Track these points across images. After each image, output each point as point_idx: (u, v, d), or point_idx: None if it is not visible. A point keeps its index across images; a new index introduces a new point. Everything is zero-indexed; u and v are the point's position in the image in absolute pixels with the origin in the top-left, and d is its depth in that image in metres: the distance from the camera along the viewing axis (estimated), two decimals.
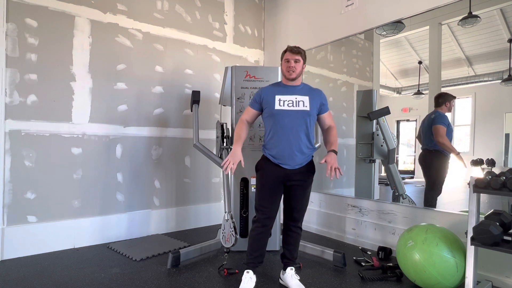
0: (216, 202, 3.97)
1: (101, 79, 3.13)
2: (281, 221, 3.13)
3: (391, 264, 2.47)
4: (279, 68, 2.93)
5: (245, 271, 2.18)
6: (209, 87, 3.91)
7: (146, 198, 3.43)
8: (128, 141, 3.30)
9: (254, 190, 2.37)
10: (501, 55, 2.44)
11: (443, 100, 2.73)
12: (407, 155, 3.37)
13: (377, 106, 3.24)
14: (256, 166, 2.24)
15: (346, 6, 3.41)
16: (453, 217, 2.52)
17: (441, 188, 2.77)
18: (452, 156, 2.70)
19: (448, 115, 2.74)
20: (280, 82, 2.29)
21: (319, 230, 3.60)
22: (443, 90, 2.74)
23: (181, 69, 3.68)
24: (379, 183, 3.29)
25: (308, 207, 3.71)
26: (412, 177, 3.22)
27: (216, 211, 3.93)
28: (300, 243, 2.85)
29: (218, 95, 3.87)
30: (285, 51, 2.20)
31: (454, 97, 2.71)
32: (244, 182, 2.96)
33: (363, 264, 2.61)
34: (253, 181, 2.93)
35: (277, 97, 2.14)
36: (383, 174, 3.27)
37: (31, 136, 2.79)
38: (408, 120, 3.29)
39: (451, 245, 2.06)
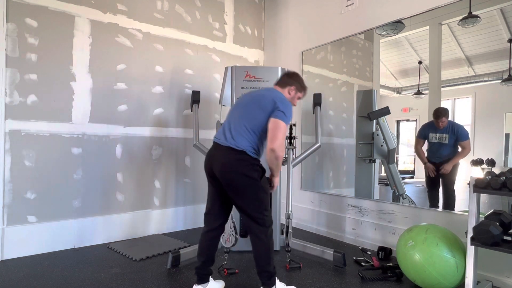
0: None
1: (101, 79, 3.13)
2: (281, 221, 3.13)
3: (391, 264, 2.47)
4: (279, 68, 2.98)
5: (277, 281, 1.99)
6: (209, 87, 3.91)
7: (146, 198, 3.43)
8: (128, 141, 3.30)
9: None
10: (501, 55, 2.44)
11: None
12: (407, 155, 3.37)
13: (377, 106, 3.24)
14: (257, 170, 2.00)
15: (346, 6, 3.41)
16: (453, 217, 2.52)
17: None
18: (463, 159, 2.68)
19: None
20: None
21: (319, 230, 3.60)
22: (443, 90, 2.74)
23: (181, 69, 3.68)
24: (379, 183, 3.29)
25: (308, 207, 3.75)
26: (412, 177, 3.22)
27: None
28: (300, 243, 2.86)
29: (218, 95, 3.87)
30: (303, 89, 2.20)
31: (439, 113, 2.72)
32: None
33: (363, 264, 2.61)
34: None
35: None
36: (383, 174, 3.27)
37: (31, 136, 2.79)
38: (408, 120, 3.29)
39: (451, 245, 2.06)
